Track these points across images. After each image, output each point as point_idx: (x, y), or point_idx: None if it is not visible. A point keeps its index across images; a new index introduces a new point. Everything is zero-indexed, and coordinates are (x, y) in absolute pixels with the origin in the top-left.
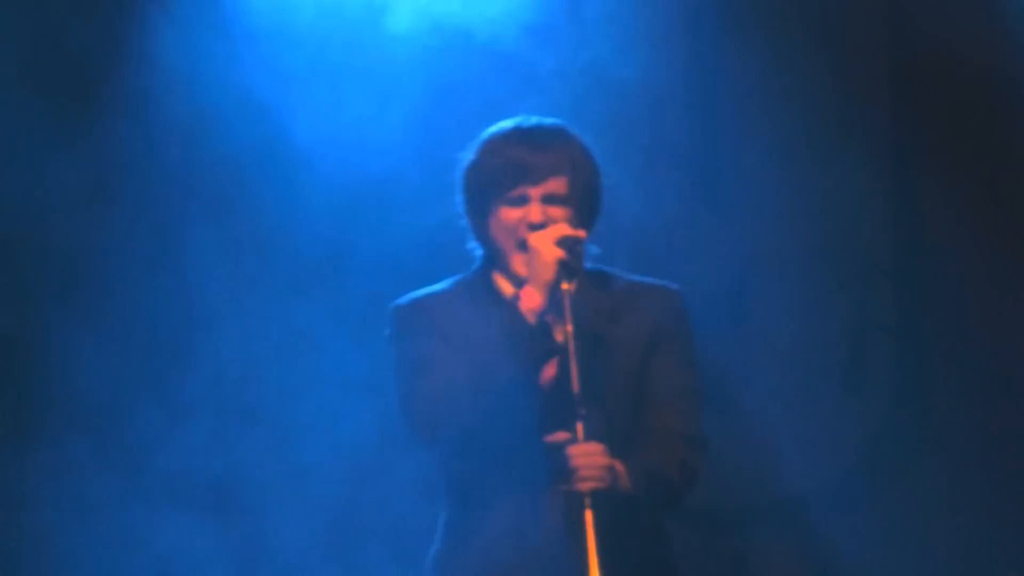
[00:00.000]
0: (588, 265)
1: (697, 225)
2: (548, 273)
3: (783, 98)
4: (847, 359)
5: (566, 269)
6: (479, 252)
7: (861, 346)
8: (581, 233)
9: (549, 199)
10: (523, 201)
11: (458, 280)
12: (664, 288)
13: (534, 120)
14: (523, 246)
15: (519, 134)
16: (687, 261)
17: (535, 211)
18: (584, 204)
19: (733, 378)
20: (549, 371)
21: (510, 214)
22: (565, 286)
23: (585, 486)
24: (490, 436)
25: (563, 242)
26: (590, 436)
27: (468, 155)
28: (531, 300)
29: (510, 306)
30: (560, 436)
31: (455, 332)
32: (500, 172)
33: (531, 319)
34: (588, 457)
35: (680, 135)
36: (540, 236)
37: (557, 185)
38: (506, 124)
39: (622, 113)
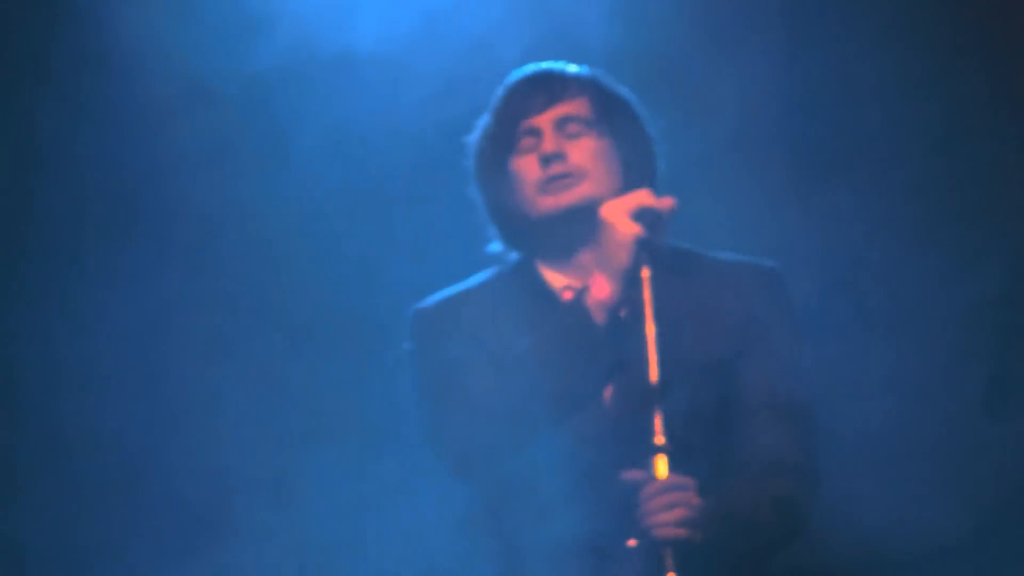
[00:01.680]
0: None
1: (806, 203)
2: (623, 256)
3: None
4: (991, 374)
5: (647, 250)
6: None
7: (1009, 358)
8: (667, 202)
9: (565, 121)
10: (536, 136)
11: (495, 274)
12: (757, 266)
13: (541, 64)
14: (545, 189)
15: (521, 80)
16: (791, 245)
17: (547, 140)
18: (626, 140)
19: (845, 392)
20: (619, 388)
21: (523, 163)
22: (645, 272)
23: (667, 533)
24: (543, 477)
25: (643, 214)
26: (674, 472)
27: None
28: (600, 291)
29: (566, 303)
30: (634, 474)
31: (494, 340)
32: (501, 120)
33: (599, 318)
34: (670, 497)
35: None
36: (613, 206)
37: (574, 106)
38: (510, 77)
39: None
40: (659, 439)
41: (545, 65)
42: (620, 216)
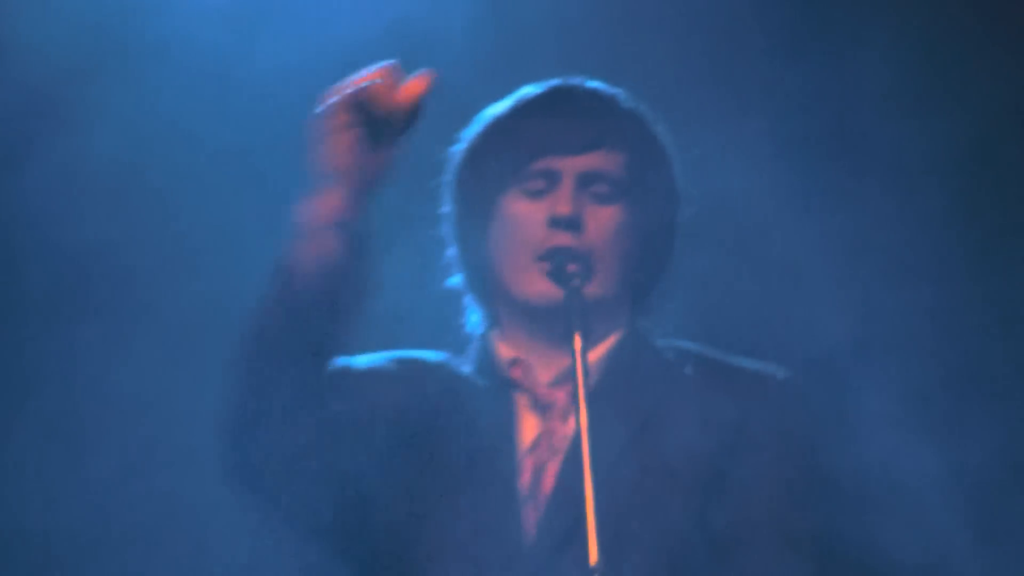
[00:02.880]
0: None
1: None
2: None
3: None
4: None
5: (573, 304)
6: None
7: None
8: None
9: (594, 178)
10: (551, 181)
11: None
12: (765, 375)
13: (570, 82)
14: (547, 270)
15: (544, 98)
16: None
17: (564, 197)
18: (655, 214)
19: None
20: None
21: (525, 208)
22: (577, 342)
23: None
24: None
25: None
26: None
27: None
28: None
29: (505, 377)
30: None
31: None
32: (512, 144)
33: (533, 393)
34: None
35: None
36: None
37: (610, 160)
38: (526, 91)
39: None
40: (595, 563)
41: (583, 84)
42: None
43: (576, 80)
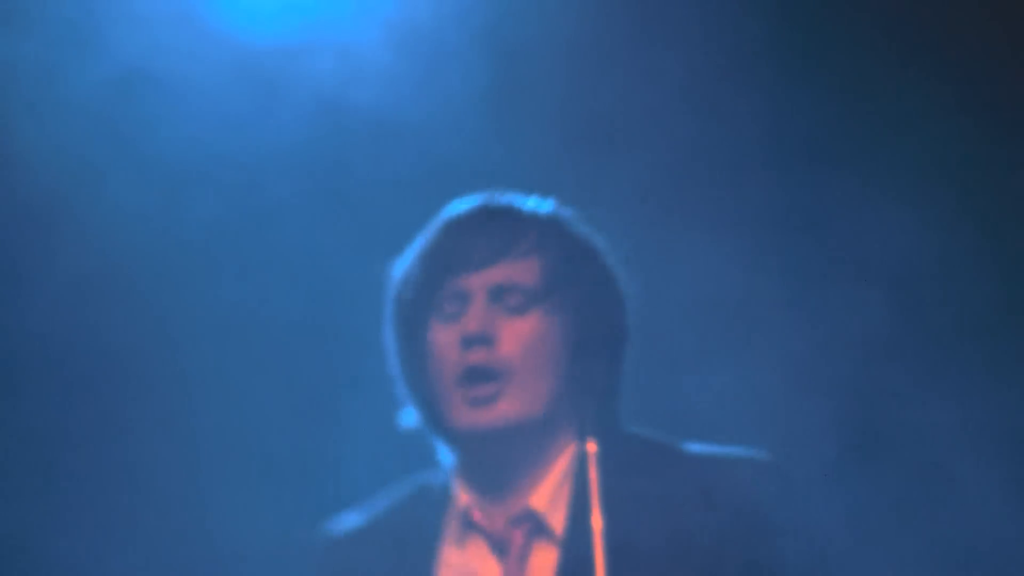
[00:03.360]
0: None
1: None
2: None
3: None
4: None
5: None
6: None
7: None
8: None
9: (503, 291)
10: (462, 302)
11: (420, 485)
12: (748, 461)
13: (492, 197)
14: (463, 397)
15: (458, 217)
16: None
17: (473, 314)
18: (585, 314)
19: None
20: None
21: (442, 334)
22: (591, 446)
23: None
24: None
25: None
26: None
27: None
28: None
29: (467, 521)
30: None
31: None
32: (426, 270)
33: (491, 536)
34: None
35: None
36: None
37: (520, 270)
38: (448, 210)
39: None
40: None
41: (494, 200)
42: None
43: (500, 194)
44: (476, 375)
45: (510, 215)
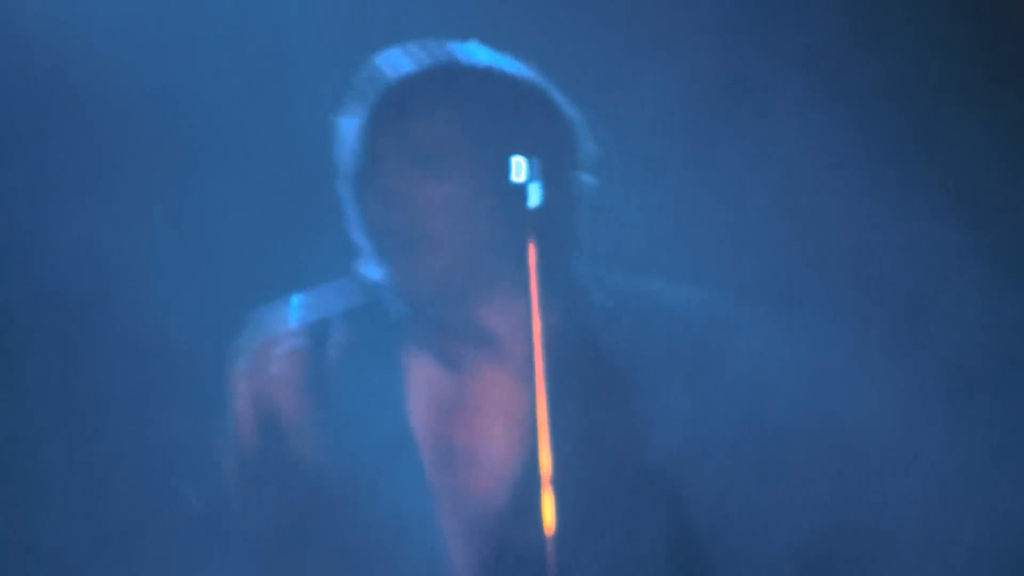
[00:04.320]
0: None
1: None
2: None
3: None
4: None
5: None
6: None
7: None
8: None
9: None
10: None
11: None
12: (702, 302)
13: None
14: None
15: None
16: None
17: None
18: (527, 136)
19: None
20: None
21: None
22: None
23: None
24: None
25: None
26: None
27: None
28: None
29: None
30: None
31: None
32: (367, 126)
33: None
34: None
35: None
36: None
37: (436, 125)
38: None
39: None
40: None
41: (416, 51)
42: None
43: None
44: (384, 233)
45: (437, 64)
